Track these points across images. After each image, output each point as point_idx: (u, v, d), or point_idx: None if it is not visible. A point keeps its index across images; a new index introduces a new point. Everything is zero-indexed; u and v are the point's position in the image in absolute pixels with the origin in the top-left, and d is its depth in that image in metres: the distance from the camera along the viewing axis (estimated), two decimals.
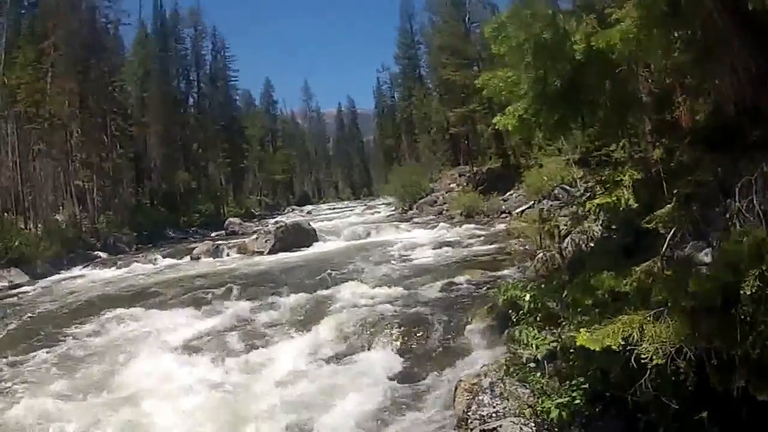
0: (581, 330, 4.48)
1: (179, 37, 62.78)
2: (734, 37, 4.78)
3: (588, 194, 5.97)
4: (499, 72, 5.81)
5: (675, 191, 4.85)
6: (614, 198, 5.25)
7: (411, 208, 39.63)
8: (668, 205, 4.73)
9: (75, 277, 22.33)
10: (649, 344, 4.23)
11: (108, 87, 42.46)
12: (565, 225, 8.61)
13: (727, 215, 4.56)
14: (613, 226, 6.78)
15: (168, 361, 9.04)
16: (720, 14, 4.74)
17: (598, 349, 4.31)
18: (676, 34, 5.37)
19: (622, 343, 4.29)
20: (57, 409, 7.46)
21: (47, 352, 10.18)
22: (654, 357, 4.20)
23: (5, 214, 30.04)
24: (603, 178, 5.70)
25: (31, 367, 9.49)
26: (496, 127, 6.38)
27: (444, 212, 34.09)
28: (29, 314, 14.47)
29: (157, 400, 7.54)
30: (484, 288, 11.00)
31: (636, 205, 5.19)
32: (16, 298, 18.07)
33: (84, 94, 38.91)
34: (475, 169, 40.07)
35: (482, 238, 20.16)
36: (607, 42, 4.49)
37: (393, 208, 44.97)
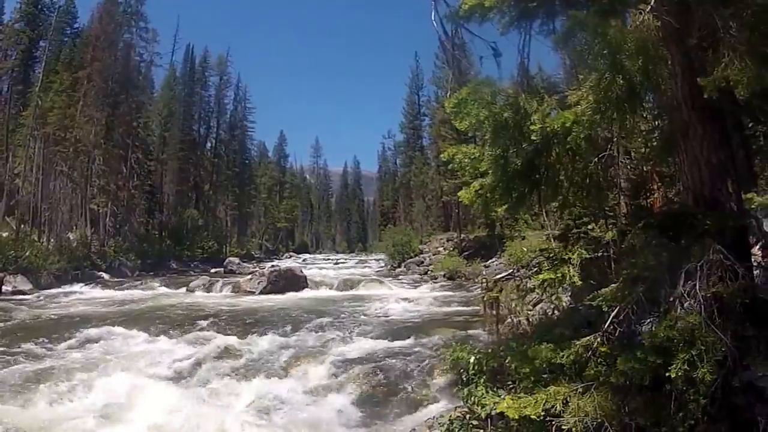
0: (506, 397, 4.42)
1: (205, 84, 63.47)
2: (698, 131, 4.84)
3: (535, 269, 5.93)
4: (464, 148, 5.84)
5: (623, 272, 4.84)
6: (559, 275, 5.20)
7: (399, 266, 39.45)
8: (613, 285, 4.71)
9: (75, 293, 22.66)
10: (571, 417, 4.17)
11: (133, 122, 42.86)
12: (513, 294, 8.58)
13: (671, 298, 4.54)
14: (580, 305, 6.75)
15: (137, 381, 8.89)
16: (688, 108, 4.81)
17: (515, 417, 4.25)
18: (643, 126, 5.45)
19: (543, 413, 4.24)
20: (16, 420, 7.26)
21: (23, 360, 10.13)
22: (573, 430, 4.15)
23: (22, 225, 30.11)
24: (551, 254, 5.67)
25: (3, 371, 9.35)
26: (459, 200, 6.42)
27: (429, 273, 33.89)
28: (20, 319, 14.54)
29: (119, 418, 7.38)
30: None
31: (581, 282, 5.14)
32: (14, 303, 18.09)
33: (111, 125, 39.34)
34: (462, 235, 40.06)
35: (460, 300, 19.94)
36: (562, 124, 4.53)
37: (383, 265, 44.81)
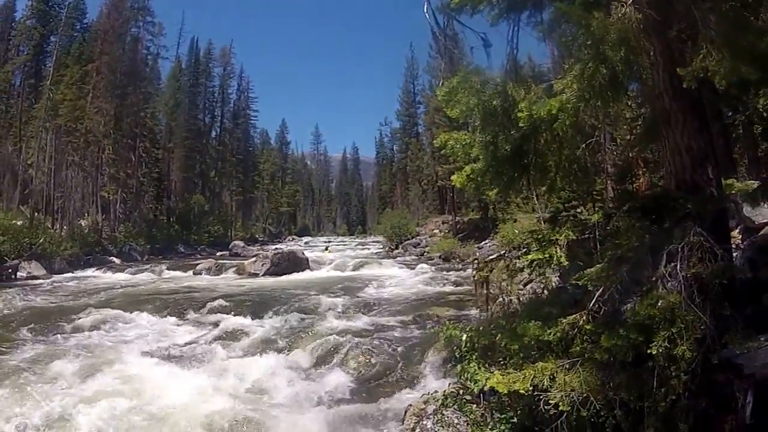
0: (495, 373, 4.43)
1: (209, 75, 63.34)
2: (679, 119, 4.82)
3: (524, 249, 5.89)
4: (454, 134, 5.82)
5: (607, 252, 4.83)
6: (546, 255, 5.20)
7: (397, 248, 39.53)
8: (599, 265, 4.70)
9: (87, 277, 22.67)
10: (558, 391, 4.18)
11: (141, 112, 42.85)
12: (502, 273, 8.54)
13: (653, 278, 4.53)
14: (568, 285, 6.72)
15: (146, 362, 8.88)
16: (669, 97, 4.78)
17: (505, 391, 4.26)
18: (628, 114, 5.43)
19: (531, 388, 4.24)
20: (25, 397, 7.22)
21: (38, 341, 10.22)
22: (560, 404, 4.15)
23: (36, 213, 30.11)
24: (539, 235, 5.65)
25: (18, 354, 9.35)
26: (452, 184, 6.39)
27: (425, 254, 33.92)
28: (34, 304, 14.57)
29: (128, 397, 7.34)
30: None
31: (567, 263, 5.14)
32: (28, 288, 18.03)
33: (119, 116, 39.34)
34: (457, 218, 40.10)
35: (454, 280, 19.90)
36: (548, 111, 4.50)
37: (381, 246, 44.87)
